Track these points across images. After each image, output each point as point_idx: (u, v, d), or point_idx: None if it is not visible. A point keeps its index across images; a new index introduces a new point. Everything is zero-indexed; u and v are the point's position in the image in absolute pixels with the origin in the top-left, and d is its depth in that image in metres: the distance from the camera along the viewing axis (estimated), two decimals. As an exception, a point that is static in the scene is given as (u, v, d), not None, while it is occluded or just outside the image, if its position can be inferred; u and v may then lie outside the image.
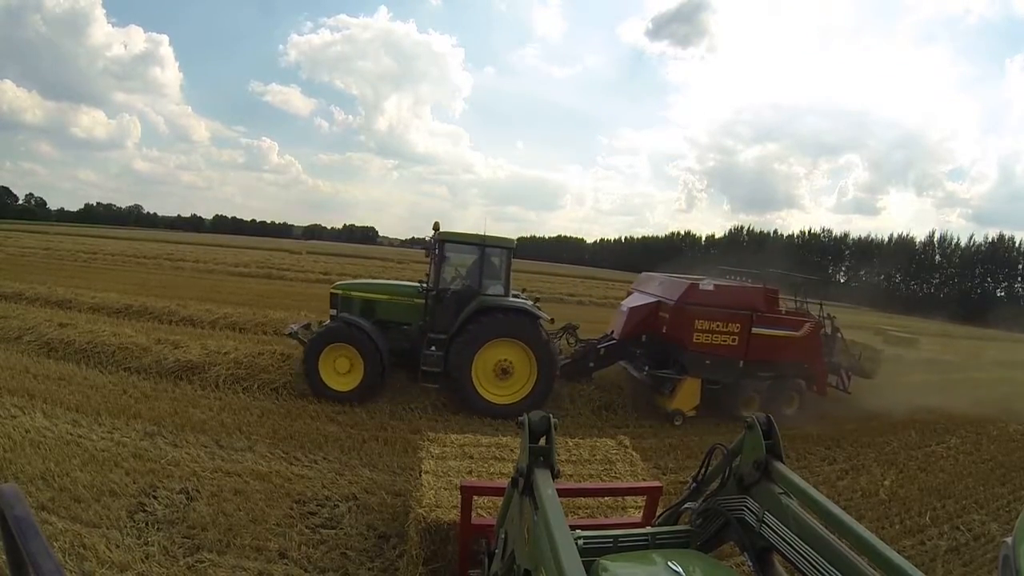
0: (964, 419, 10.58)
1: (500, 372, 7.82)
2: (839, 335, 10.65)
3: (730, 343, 8.58)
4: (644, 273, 11.22)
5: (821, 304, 10.62)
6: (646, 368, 8.92)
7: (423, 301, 8.13)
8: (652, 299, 9.41)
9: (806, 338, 9.08)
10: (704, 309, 8.58)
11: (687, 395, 8.53)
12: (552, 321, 8.62)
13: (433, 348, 7.81)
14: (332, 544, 4.49)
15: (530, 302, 8.26)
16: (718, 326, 8.53)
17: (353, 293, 8.39)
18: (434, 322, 8.00)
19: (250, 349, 9.24)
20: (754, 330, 8.65)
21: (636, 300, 9.89)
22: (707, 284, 8.99)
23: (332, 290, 8.61)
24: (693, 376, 8.56)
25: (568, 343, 10.00)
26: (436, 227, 7.97)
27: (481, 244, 8.03)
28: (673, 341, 8.77)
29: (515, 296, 8.61)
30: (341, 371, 7.72)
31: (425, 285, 8.11)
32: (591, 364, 9.18)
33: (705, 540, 2.20)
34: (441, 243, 8.03)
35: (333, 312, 8.26)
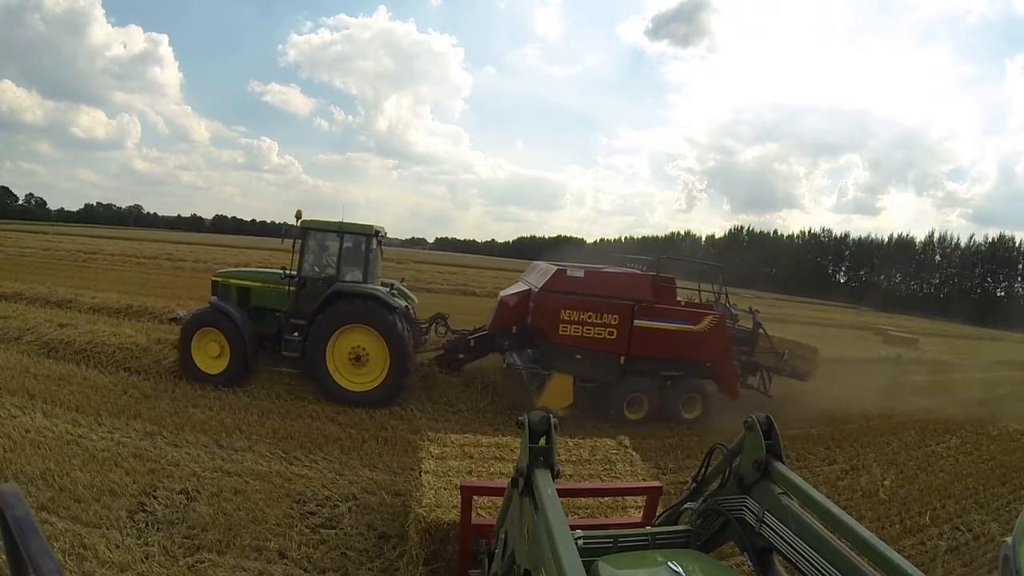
0: (964, 419, 10.55)
1: (355, 359, 7.76)
2: (760, 331, 9.54)
3: (606, 337, 7.75)
4: (535, 261, 10.09)
5: (724, 293, 9.58)
6: (513, 358, 8.51)
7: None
8: (525, 287, 8.65)
9: (707, 333, 8.08)
10: (572, 298, 7.80)
11: (557, 392, 7.75)
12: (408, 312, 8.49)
13: (295, 334, 7.85)
14: (332, 544, 4.49)
15: (384, 289, 8.08)
16: (590, 317, 7.71)
17: (231, 280, 8.55)
18: (297, 308, 8.00)
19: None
20: (636, 323, 7.78)
21: (512, 289, 9.10)
22: (576, 270, 8.15)
23: (213, 278, 8.83)
24: (562, 372, 7.84)
25: (438, 333, 9.51)
26: (299, 215, 8.07)
27: (339, 231, 8.03)
28: (538, 332, 8.06)
29: (386, 284, 8.69)
30: (212, 355, 7.95)
31: (288, 272, 8.09)
32: (460, 356, 8.67)
33: (705, 540, 2.20)
34: (304, 231, 8.06)
35: (213, 299, 8.38)
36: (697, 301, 9.05)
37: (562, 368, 7.87)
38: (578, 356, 7.80)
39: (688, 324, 8.02)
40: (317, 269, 8.26)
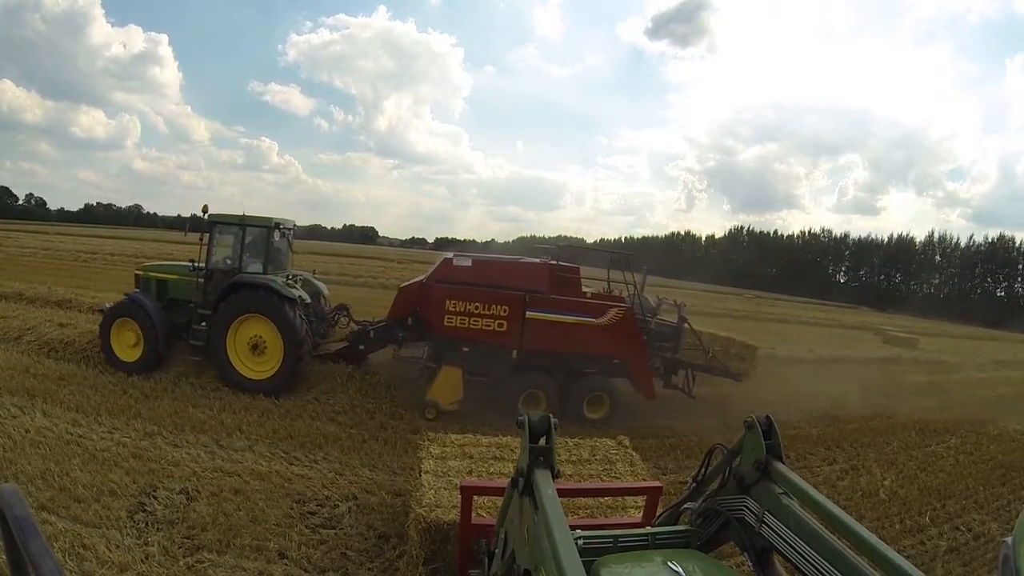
0: (964, 419, 10.55)
1: (253, 347, 7.92)
2: (686, 326, 8.79)
3: (496, 329, 7.41)
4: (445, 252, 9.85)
5: (638, 284, 8.69)
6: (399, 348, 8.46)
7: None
8: (422, 277, 8.42)
9: (613, 327, 7.60)
10: (458, 287, 7.54)
11: (445, 386, 7.44)
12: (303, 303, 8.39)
13: (203, 323, 8.03)
14: (332, 544, 4.50)
15: (280, 280, 8.09)
16: (477, 308, 7.41)
17: (151, 274, 8.88)
18: (205, 299, 8.19)
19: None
20: (529, 314, 7.40)
21: (413, 279, 8.88)
22: (463, 259, 7.87)
23: (136, 271, 9.23)
24: (451, 365, 7.51)
25: (341, 325, 9.43)
26: (205, 209, 8.24)
27: (241, 224, 8.24)
28: (426, 324, 7.84)
29: (296, 275, 8.89)
30: (129, 344, 8.26)
31: (196, 265, 8.30)
32: (362, 347, 8.44)
33: (705, 540, 2.20)
34: (211, 224, 8.26)
35: (134, 291, 8.71)
36: (610, 293, 8.52)
37: (450, 361, 7.58)
38: (465, 348, 7.55)
39: (590, 317, 7.56)
40: (229, 262, 8.45)
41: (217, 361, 7.90)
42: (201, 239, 8.13)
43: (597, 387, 7.85)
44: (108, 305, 8.79)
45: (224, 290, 7.92)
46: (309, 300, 8.46)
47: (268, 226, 8.27)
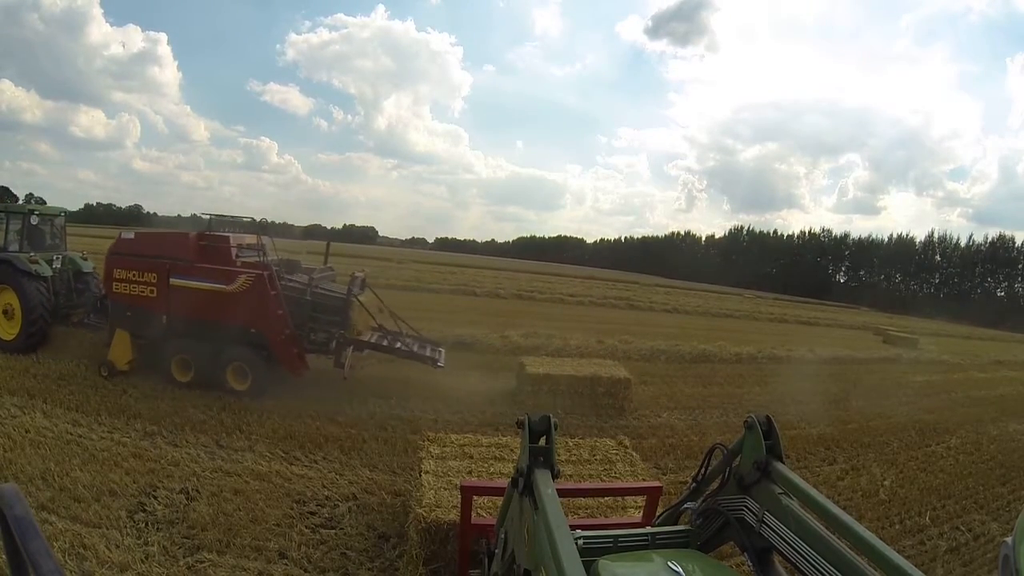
0: (964, 419, 10.56)
1: (3, 312, 8.91)
2: (354, 299, 8.29)
3: (149, 295, 7.91)
4: None
5: (262, 250, 8.38)
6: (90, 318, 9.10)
7: None
8: None
9: (243, 295, 7.62)
10: (123, 258, 8.14)
11: (119, 349, 8.07)
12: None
13: None
14: (332, 544, 4.50)
15: (24, 256, 8.87)
16: (135, 275, 7.95)
17: None
18: None
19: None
20: (173, 281, 7.77)
21: None
22: (129, 232, 8.46)
23: None
24: (120, 328, 8.15)
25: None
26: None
27: (6, 212, 9.17)
28: (106, 292, 8.62)
29: (67, 256, 9.83)
30: None
31: None
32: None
33: (705, 540, 2.20)
34: None
35: None
36: (255, 261, 8.28)
37: (121, 325, 8.17)
38: (129, 313, 8.10)
39: (222, 284, 7.70)
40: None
41: None
42: None
43: (238, 357, 7.83)
44: None
45: None
46: (50, 275, 9.14)
47: (23, 212, 9.35)
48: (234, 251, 8.12)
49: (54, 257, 9.50)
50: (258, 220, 9.36)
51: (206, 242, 8.12)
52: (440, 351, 8.83)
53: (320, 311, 8.14)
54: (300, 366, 8.01)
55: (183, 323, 7.89)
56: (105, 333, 8.54)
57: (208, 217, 8.86)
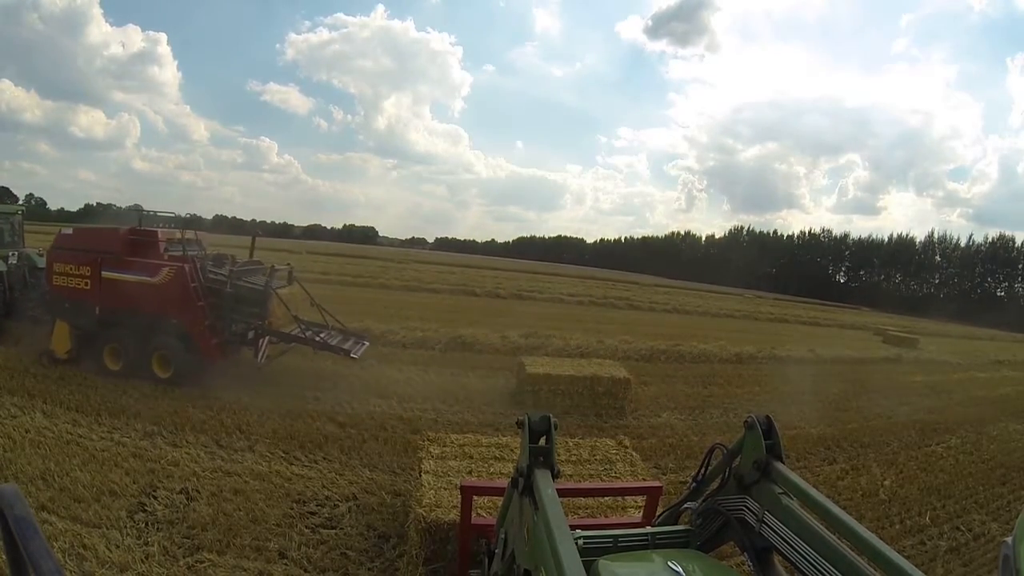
0: (964, 419, 10.56)
1: None
2: (272, 291, 8.37)
3: (83, 287, 8.37)
4: None
5: (180, 239, 8.64)
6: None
7: None
8: None
9: (166, 286, 8.06)
10: (62, 252, 8.58)
11: (58, 338, 8.45)
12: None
13: None
14: (332, 544, 4.50)
15: None
16: (72, 269, 8.41)
17: None
18: None
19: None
20: (104, 274, 8.23)
21: None
22: (68, 229, 8.95)
23: None
24: (60, 319, 8.52)
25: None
26: None
27: None
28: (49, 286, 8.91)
29: (24, 252, 10.43)
30: None
31: None
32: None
33: (705, 540, 2.20)
34: None
35: None
36: (178, 254, 8.55)
37: (61, 316, 8.53)
38: (67, 305, 8.45)
39: (147, 276, 8.15)
40: None
41: None
42: None
43: (162, 346, 8.19)
44: None
45: None
46: (4, 270, 9.67)
47: None
48: (163, 245, 8.51)
49: (10, 254, 9.97)
50: (186, 215, 9.94)
51: (136, 237, 8.52)
52: (362, 344, 9.06)
53: (241, 303, 8.42)
54: (217, 355, 8.29)
55: (114, 313, 8.31)
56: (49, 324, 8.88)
57: (138, 212, 9.48)
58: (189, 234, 9.10)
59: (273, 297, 8.38)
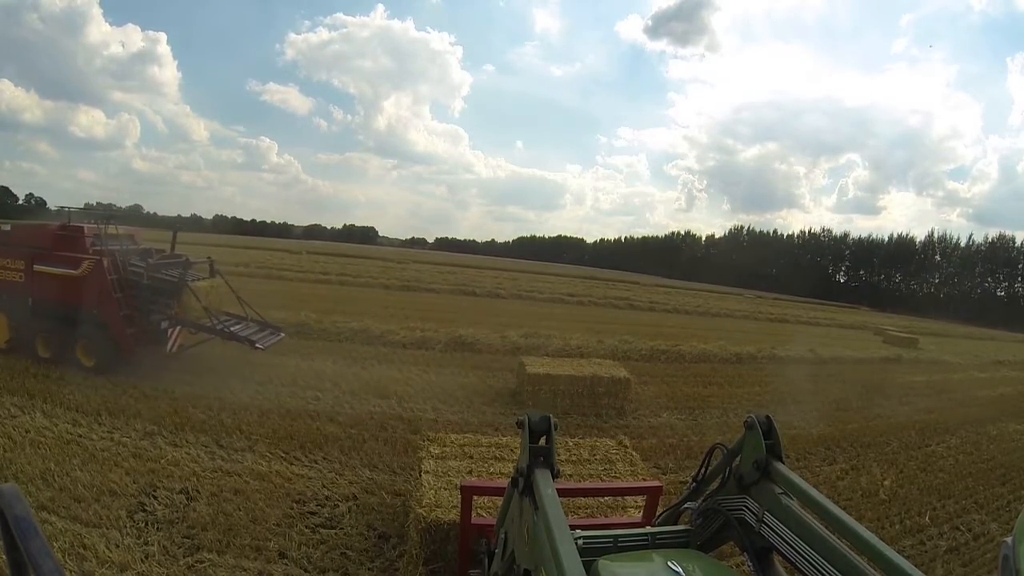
0: (964, 419, 10.55)
1: None
2: (188, 283, 8.64)
3: (19, 279, 8.81)
4: None
5: (103, 234, 8.95)
6: None
7: None
8: None
9: (85, 279, 8.42)
10: (1, 248, 8.99)
11: None
12: None
13: None
14: (332, 544, 4.50)
15: None
16: (8, 263, 8.85)
17: None
18: None
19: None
20: (35, 267, 8.65)
21: None
22: (5, 225, 9.39)
23: None
24: (0, 311, 8.97)
25: None
26: None
27: None
28: None
29: None
30: None
31: None
32: None
33: (705, 540, 2.20)
34: None
35: None
36: (100, 249, 8.85)
37: (0, 308, 9.00)
38: (5, 297, 8.92)
39: (71, 269, 8.50)
40: None
41: None
42: None
43: (84, 336, 8.56)
44: None
45: None
46: None
47: None
48: (89, 240, 8.80)
49: None
50: (109, 206, 10.63)
51: (64, 232, 8.90)
52: (275, 336, 9.30)
53: (157, 295, 8.74)
54: (131, 346, 8.61)
55: (44, 305, 8.72)
56: None
57: (67, 209, 9.88)
58: (123, 230, 9.64)
59: (186, 289, 8.70)
